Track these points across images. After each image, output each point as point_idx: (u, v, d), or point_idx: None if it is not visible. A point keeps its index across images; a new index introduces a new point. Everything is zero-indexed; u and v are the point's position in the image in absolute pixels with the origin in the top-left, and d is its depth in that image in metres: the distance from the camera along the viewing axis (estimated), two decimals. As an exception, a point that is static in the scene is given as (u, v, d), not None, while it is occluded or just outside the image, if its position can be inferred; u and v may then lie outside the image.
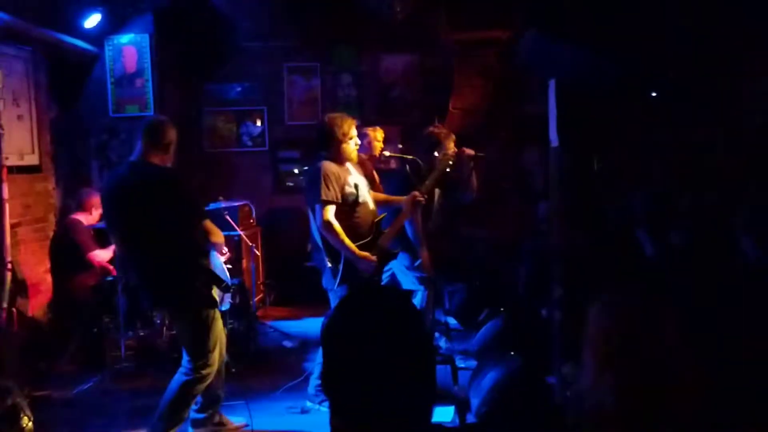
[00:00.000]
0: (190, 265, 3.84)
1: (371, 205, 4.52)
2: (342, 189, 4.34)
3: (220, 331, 4.10)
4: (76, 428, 4.44)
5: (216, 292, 3.92)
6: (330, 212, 4.27)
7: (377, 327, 1.30)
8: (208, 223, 3.91)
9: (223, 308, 4.04)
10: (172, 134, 3.94)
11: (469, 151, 5.30)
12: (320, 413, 4.51)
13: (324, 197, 4.25)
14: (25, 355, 5.14)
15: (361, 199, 4.45)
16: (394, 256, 4.77)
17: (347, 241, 4.27)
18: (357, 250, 4.27)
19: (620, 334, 1.48)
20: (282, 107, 7.86)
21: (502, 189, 7.14)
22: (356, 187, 4.44)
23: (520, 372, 4.00)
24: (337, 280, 4.31)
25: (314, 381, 4.63)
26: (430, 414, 1.35)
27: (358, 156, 5.38)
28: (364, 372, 1.27)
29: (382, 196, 4.83)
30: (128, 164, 3.95)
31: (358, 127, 5.09)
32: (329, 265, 4.32)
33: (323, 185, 4.26)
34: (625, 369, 1.45)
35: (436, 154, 5.13)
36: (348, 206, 4.38)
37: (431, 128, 5.44)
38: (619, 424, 1.45)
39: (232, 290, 4.05)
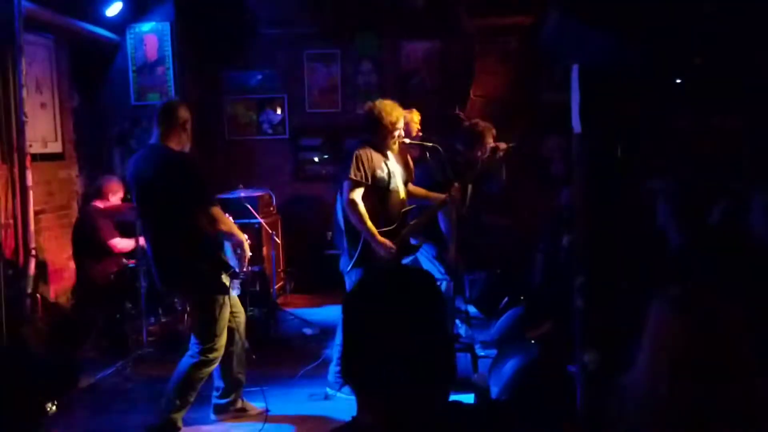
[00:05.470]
0: (198, 250, 3.87)
1: (401, 195, 4.54)
2: (373, 172, 4.38)
3: (239, 313, 4.18)
4: (99, 413, 4.49)
5: (225, 278, 3.94)
6: (356, 192, 4.32)
7: (397, 305, 1.30)
8: (217, 210, 3.91)
9: (234, 293, 4.07)
10: (185, 113, 4.00)
11: (503, 146, 5.30)
12: (339, 399, 4.53)
13: (353, 176, 4.31)
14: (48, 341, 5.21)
15: (391, 187, 4.47)
16: (414, 249, 4.78)
17: (368, 223, 4.30)
18: (377, 234, 4.29)
19: (684, 332, 1.44)
20: (302, 95, 7.85)
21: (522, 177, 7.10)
22: (390, 175, 4.46)
23: (540, 360, 3.98)
24: (352, 262, 4.34)
25: (333, 367, 4.65)
26: (448, 393, 1.35)
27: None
28: (383, 349, 1.26)
29: (421, 191, 4.83)
30: (148, 147, 4.04)
31: None
32: (347, 246, 4.36)
33: (354, 165, 4.33)
34: (684, 367, 1.41)
35: (479, 153, 5.13)
36: (377, 191, 4.41)
37: (474, 121, 5.43)
38: (668, 421, 1.41)
39: (241, 277, 4.08)
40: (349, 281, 4.46)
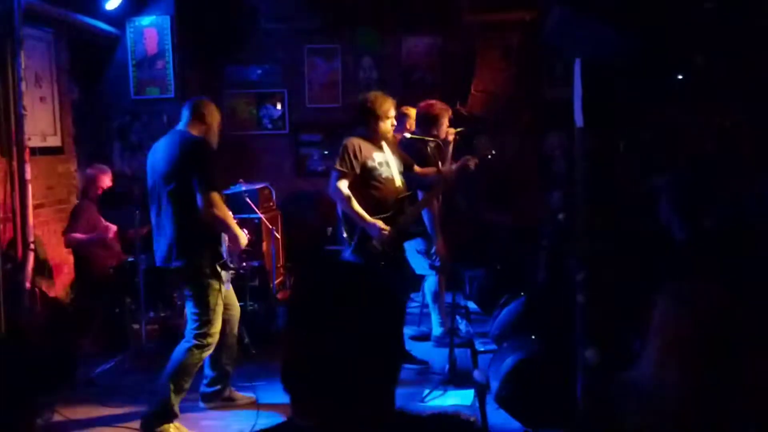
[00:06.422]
0: (197, 233, 3.95)
1: (397, 183, 4.59)
2: (363, 162, 4.46)
3: (233, 307, 4.28)
4: (98, 407, 4.47)
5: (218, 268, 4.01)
6: (342, 182, 4.42)
7: (348, 304, 1.25)
8: (216, 196, 3.93)
9: (227, 287, 4.12)
10: (207, 108, 4.17)
11: (451, 130, 5.29)
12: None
13: (338, 167, 4.44)
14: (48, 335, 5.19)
15: (385, 175, 4.52)
16: (412, 236, 4.82)
17: (356, 207, 4.38)
18: (365, 216, 4.38)
19: (690, 326, 1.42)
20: (302, 90, 7.83)
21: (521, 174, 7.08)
22: (383, 164, 4.53)
23: (540, 356, 3.97)
24: (350, 249, 4.44)
25: None
26: (392, 398, 1.30)
27: (396, 137, 5.41)
28: (323, 352, 1.22)
29: (432, 169, 4.90)
30: (171, 132, 4.17)
31: (397, 107, 5.18)
32: (345, 235, 4.41)
33: (340, 156, 4.46)
34: (691, 361, 1.40)
35: (436, 134, 5.13)
36: (369, 180, 4.48)
37: (431, 102, 5.33)
38: (678, 415, 1.39)
39: (231, 269, 4.14)
40: None
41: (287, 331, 1.28)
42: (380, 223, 4.39)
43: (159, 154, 4.06)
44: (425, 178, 4.93)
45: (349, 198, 4.38)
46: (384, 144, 4.63)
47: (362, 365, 1.22)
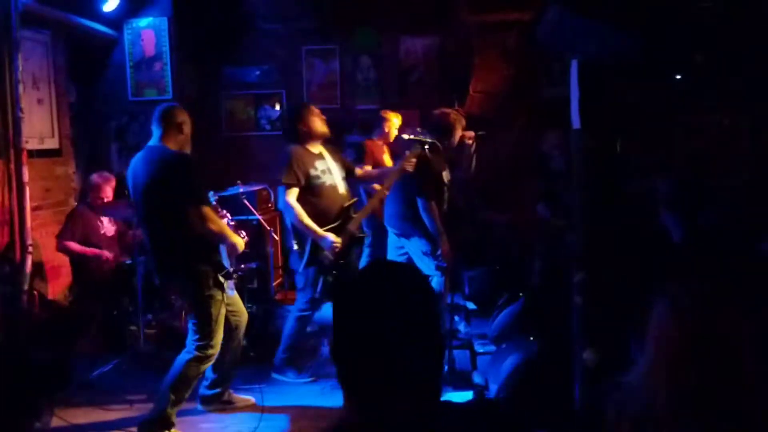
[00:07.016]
0: (193, 248, 3.89)
1: (341, 190, 4.61)
2: (307, 173, 4.47)
3: (240, 313, 4.27)
4: (96, 410, 4.47)
5: (220, 277, 3.97)
6: (291, 194, 4.43)
7: (393, 301, 1.28)
8: (207, 210, 3.90)
9: (230, 293, 4.10)
10: (182, 116, 4.06)
11: (470, 134, 5.32)
12: (337, 394, 4.52)
13: (284, 180, 4.43)
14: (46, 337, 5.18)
15: (328, 183, 4.54)
16: (361, 241, 4.81)
17: (306, 220, 4.40)
18: (317, 229, 4.41)
19: (683, 332, 1.41)
20: (301, 90, 7.81)
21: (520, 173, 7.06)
22: (325, 171, 4.55)
23: (539, 357, 3.96)
24: (303, 263, 4.46)
25: (280, 354, 4.88)
26: (439, 391, 1.33)
27: (374, 141, 5.41)
28: (375, 345, 1.25)
29: (375, 171, 5.11)
30: (146, 148, 4.06)
31: (380, 111, 5.16)
32: (295, 247, 4.41)
33: (286, 168, 4.45)
34: (683, 367, 1.39)
35: (449, 143, 5.15)
36: (313, 189, 4.49)
37: (446, 111, 5.36)
38: (667, 422, 1.39)
39: (234, 278, 4.12)
40: (302, 279, 4.59)
41: (336, 331, 1.31)
42: (332, 236, 4.41)
43: (138, 172, 3.94)
44: (372, 180, 4.98)
45: (300, 213, 4.39)
46: (324, 151, 4.63)
47: (411, 356, 1.25)
